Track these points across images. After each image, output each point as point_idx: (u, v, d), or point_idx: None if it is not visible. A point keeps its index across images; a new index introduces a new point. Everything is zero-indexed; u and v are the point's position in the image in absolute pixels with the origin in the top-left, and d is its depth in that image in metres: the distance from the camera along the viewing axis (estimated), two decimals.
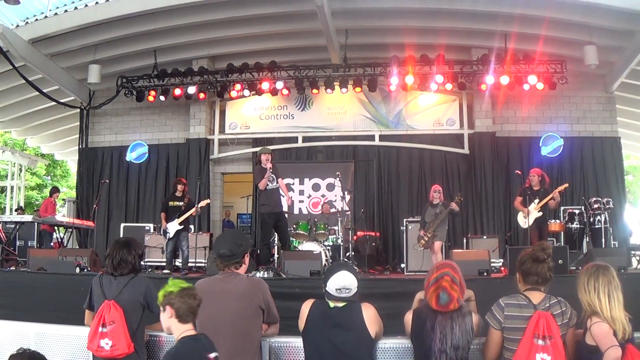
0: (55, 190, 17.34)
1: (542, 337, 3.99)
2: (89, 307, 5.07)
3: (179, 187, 12.61)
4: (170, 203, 12.45)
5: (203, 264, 13.25)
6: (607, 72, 16.16)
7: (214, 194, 17.61)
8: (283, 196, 11.91)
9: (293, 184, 15.47)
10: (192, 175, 16.73)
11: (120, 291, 4.85)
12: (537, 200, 11.21)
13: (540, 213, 11.28)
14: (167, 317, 3.93)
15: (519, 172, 13.34)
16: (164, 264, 12.95)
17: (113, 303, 4.76)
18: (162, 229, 12.49)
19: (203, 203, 12.79)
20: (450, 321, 4.17)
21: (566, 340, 4.12)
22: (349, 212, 14.54)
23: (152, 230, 15.13)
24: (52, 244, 16.01)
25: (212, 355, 3.85)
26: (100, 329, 4.70)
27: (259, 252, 14.48)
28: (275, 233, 11.88)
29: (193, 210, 12.32)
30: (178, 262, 12.76)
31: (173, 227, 12.14)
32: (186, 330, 3.90)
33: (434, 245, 11.87)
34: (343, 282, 4.42)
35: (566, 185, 11.92)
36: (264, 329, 4.75)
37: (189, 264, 12.56)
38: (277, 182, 11.34)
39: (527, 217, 11.21)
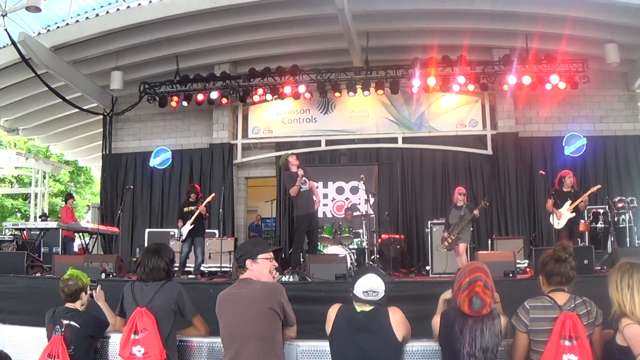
0: (69, 196, 17.71)
1: (569, 337, 3.98)
2: (120, 314, 5.14)
3: (192, 195, 12.71)
4: (185, 209, 12.58)
5: (228, 269, 13.26)
6: (629, 70, 16.09)
7: (238, 199, 17.71)
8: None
9: (317, 187, 15.15)
10: (216, 180, 16.84)
11: (152, 298, 4.88)
12: (568, 202, 11.15)
13: (574, 214, 11.19)
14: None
15: (543, 172, 13.29)
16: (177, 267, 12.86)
17: (145, 310, 4.78)
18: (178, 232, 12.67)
19: (209, 198, 12.86)
20: (480, 324, 4.16)
21: (593, 339, 4.11)
22: (373, 215, 14.47)
23: (176, 236, 15.08)
24: (76, 250, 16.16)
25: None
26: (132, 336, 4.73)
27: (284, 255, 14.56)
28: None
29: (200, 207, 12.36)
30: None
31: (185, 228, 12.28)
32: None
33: (459, 247, 11.90)
34: (370, 285, 4.40)
35: (599, 186, 11.85)
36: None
37: (202, 269, 12.79)
38: (308, 185, 11.30)
39: (560, 219, 11.19)
